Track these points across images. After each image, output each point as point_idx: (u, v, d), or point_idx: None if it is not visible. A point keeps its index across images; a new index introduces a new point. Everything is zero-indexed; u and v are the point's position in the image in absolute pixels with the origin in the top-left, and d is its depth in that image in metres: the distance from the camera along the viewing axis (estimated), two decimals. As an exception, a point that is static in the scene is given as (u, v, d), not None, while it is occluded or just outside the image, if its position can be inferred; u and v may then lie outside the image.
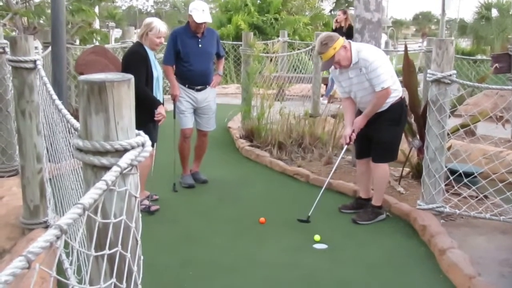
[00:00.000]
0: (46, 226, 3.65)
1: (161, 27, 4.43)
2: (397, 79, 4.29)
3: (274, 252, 3.81)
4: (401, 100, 4.29)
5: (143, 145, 1.41)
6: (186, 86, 5.04)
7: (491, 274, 3.37)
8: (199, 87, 5.06)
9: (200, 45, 5.03)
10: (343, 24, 10.05)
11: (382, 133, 4.19)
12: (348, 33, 10.22)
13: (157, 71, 4.52)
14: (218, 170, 5.85)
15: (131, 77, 1.40)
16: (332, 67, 4.19)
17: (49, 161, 3.81)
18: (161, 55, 6.04)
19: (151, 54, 4.47)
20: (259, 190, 5.22)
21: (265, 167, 5.96)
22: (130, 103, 1.40)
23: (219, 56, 5.36)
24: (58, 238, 1.06)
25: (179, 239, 4.03)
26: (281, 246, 3.91)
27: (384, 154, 4.26)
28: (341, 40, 4.08)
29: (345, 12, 10.51)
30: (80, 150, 1.38)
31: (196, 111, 5.18)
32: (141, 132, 1.44)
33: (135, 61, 4.38)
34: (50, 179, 3.83)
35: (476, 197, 4.41)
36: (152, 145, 4.57)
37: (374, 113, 4.17)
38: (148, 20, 4.54)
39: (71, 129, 2.18)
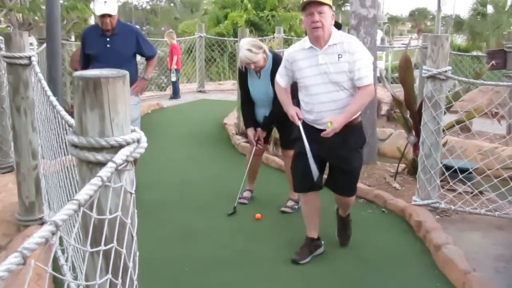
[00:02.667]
0: (42, 223, 3.64)
1: (242, 55, 4.16)
2: None
3: (270, 247, 3.82)
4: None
5: (138, 141, 1.41)
6: None
7: (486, 269, 3.38)
8: None
9: (108, 45, 4.47)
10: None
11: (353, 159, 3.46)
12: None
13: (255, 89, 4.34)
14: (214, 166, 5.85)
15: (126, 73, 1.40)
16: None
17: (43, 157, 3.80)
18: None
19: (251, 72, 4.31)
20: (255, 187, 5.21)
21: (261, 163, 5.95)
22: (125, 99, 1.39)
23: (147, 57, 4.77)
24: (53, 234, 1.06)
25: (175, 235, 4.03)
26: (277, 241, 3.91)
27: (355, 183, 3.59)
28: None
29: None
30: (75, 146, 1.38)
31: None
32: (136, 128, 1.44)
33: (238, 77, 4.69)
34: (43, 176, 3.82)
35: (471, 193, 4.42)
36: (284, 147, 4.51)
37: (355, 115, 3.33)
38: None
39: (66, 126, 2.18)
